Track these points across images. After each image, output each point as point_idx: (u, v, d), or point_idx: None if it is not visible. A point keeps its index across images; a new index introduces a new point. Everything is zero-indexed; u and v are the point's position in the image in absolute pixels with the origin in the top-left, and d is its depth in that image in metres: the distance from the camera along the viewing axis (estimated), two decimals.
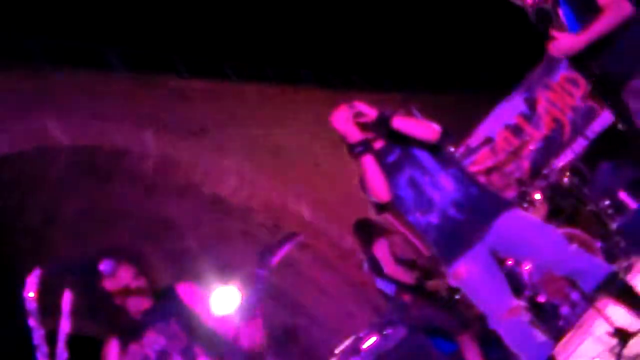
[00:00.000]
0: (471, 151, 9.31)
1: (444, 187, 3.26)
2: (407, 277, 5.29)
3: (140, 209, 10.54)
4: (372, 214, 3.58)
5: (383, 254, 5.31)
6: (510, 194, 6.49)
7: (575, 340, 4.76)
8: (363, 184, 3.46)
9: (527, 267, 5.53)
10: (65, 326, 2.49)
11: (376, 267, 5.40)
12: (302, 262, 12.11)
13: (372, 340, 5.44)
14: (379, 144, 3.45)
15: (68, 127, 9.34)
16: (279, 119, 13.81)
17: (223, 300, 3.17)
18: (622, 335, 3.40)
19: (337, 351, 6.00)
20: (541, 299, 5.45)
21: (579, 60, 3.26)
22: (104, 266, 2.90)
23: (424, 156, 3.34)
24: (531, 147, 7.48)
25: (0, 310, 7.69)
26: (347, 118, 3.44)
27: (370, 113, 3.38)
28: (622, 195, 5.60)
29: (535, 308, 5.45)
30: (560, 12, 3.14)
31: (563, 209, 6.33)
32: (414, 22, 22.91)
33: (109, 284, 3.06)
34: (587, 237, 5.53)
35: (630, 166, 5.89)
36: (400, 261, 5.29)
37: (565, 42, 3.06)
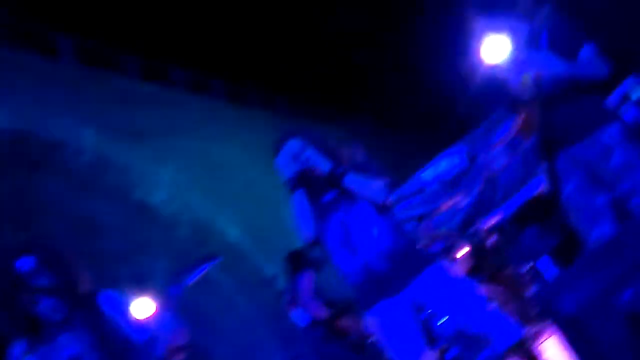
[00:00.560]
0: (404, 198, 9.41)
1: (373, 235, 3.29)
2: (321, 312, 5.31)
3: (66, 205, 10.27)
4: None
5: (304, 286, 5.33)
6: (437, 246, 6.59)
7: None
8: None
9: (443, 320, 5.59)
10: None
11: (294, 298, 5.43)
12: (222, 284, 11.99)
13: None
14: (317, 180, 3.46)
15: (6, 110, 9.07)
16: (220, 136, 13.75)
17: (139, 310, 3.12)
18: None
19: None
20: (453, 352, 5.51)
21: (526, 120, 3.37)
22: (21, 263, 2.80)
23: (358, 201, 3.36)
24: (463, 202, 7.63)
25: None
26: (297, 152, 3.44)
27: (322, 167, 3.36)
28: (543, 261, 5.76)
29: None
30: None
31: (486, 267, 6.46)
32: (372, 62, 23.21)
33: (26, 282, 2.94)
34: (505, 298, 5.65)
35: (554, 233, 6.07)
36: (319, 295, 5.32)
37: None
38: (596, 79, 3.28)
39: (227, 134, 14.02)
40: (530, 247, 6.05)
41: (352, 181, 3.33)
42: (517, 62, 3.29)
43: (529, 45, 3.32)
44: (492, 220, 6.46)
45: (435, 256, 3.41)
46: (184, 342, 3.04)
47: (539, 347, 3.39)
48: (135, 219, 11.34)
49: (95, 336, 2.91)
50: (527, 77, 3.24)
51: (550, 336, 3.36)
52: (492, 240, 6.08)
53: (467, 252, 6.35)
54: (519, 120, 3.38)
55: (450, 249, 6.41)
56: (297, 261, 5.56)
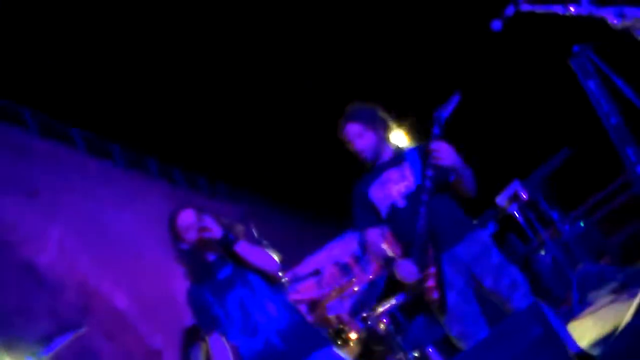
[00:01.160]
0: (297, 279, 9.49)
1: (269, 313, 3.34)
2: None
3: None
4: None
5: (196, 356, 5.24)
6: (327, 329, 6.68)
7: None
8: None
9: None
10: None
11: None
12: (103, 354, 11.53)
13: None
14: (212, 257, 3.51)
15: None
16: (116, 201, 13.52)
17: None
18: None
19: None
20: None
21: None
22: None
23: (255, 278, 3.41)
24: (355, 288, 7.78)
25: None
26: (191, 225, 3.51)
27: (216, 232, 3.36)
28: (430, 351, 5.94)
29: None
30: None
31: (374, 353, 6.58)
32: (272, 139, 23.52)
33: None
34: None
35: (440, 325, 6.29)
36: None
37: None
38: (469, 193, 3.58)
39: (122, 199, 13.79)
40: (418, 336, 6.24)
41: (245, 248, 3.38)
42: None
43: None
44: (383, 307, 6.62)
45: (327, 339, 3.48)
46: None
47: None
48: (18, 278, 10.86)
49: None
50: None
51: None
52: (382, 326, 6.23)
53: (357, 337, 6.46)
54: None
55: (341, 332, 6.51)
56: (192, 335, 5.47)
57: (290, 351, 3.28)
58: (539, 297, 3.39)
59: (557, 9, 2.48)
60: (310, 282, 9.67)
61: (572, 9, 2.43)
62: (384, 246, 3.57)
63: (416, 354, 5.96)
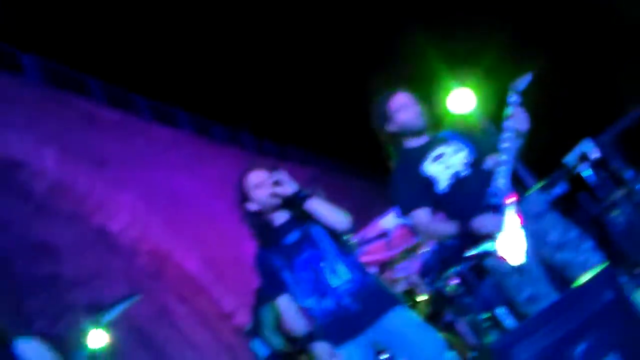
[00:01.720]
0: (366, 241, 9.44)
1: (341, 275, 3.30)
2: (284, 344, 5.27)
3: (23, 227, 10.07)
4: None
5: (268, 318, 5.29)
6: (397, 290, 6.60)
7: None
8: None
9: None
10: None
11: (257, 328, 5.38)
12: (178, 315, 11.82)
13: None
14: (279, 220, 3.46)
15: None
16: (184, 167, 13.70)
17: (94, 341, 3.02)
18: None
19: None
20: None
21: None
22: None
23: (324, 241, 3.37)
24: (424, 249, 7.66)
25: None
26: (263, 180, 3.45)
27: (290, 187, 3.33)
28: (500, 312, 5.79)
29: None
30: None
31: (444, 314, 6.48)
32: (336, 102, 23.43)
33: None
34: (462, 346, 5.67)
35: None
36: (282, 329, 5.28)
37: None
38: None
39: (191, 166, 13.97)
40: (489, 297, 6.08)
41: (317, 205, 3.33)
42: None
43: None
44: (453, 268, 6.48)
45: (398, 299, 3.41)
46: None
47: None
48: (93, 246, 11.18)
49: None
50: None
51: None
52: (452, 287, 6.11)
53: (427, 299, 6.37)
54: None
55: (410, 294, 6.43)
56: (262, 296, 5.51)
57: (362, 312, 3.25)
58: (612, 260, 3.26)
59: None
60: (379, 244, 9.60)
61: None
62: (439, 224, 3.52)
63: (486, 316, 5.82)
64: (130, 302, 2.89)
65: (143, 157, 12.70)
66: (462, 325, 6.27)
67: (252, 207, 3.45)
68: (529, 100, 3.45)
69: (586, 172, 6.95)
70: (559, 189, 7.17)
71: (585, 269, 3.20)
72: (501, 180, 3.33)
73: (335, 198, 3.67)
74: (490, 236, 3.36)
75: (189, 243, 12.19)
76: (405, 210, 3.61)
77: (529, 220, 3.38)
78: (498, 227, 3.32)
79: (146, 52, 19.07)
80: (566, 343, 2.27)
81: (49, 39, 14.33)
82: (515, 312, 5.70)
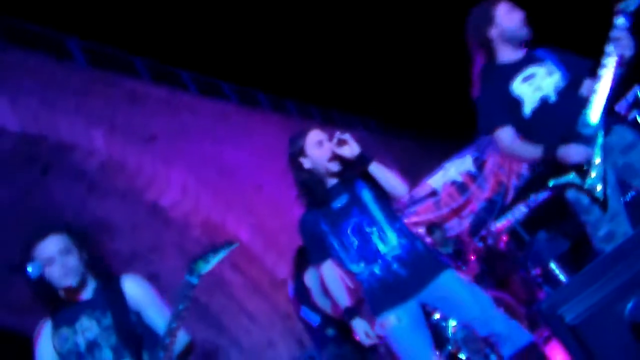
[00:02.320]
0: (415, 202, 9.43)
1: (389, 241, 3.29)
2: (333, 310, 5.26)
3: (77, 207, 10.32)
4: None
5: (312, 283, 5.27)
6: (447, 249, 6.61)
7: None
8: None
9: (452, 324, 5.62)
10: None
11: (303, 295, 5.34)
12: (233, 285, 12.02)
13: None
14: (329, 183, 3.45)
15: (18, 113, 9.13)
16: (230, 138, 13.79)
17: None
18: None
19: None
20: (462, 356, 5.53)
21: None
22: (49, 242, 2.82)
23: (373, 206, 3.35)
24: (473, 206, 7.64)
25: None
26: (323, 140, 3.45)
27: (355, 148, 3.30)
28: (553, 266, 5.76)
29: None
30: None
31: (495, 271, 6.46)
32: (380, 63, 23.19)
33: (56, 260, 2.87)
34: (514, 303, 5.66)
35: (564, 239, 6.06)
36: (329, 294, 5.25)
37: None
38: None
39: (237, 137, 14.05)
40: (539, 252, 6.04)
41: (379, 168, 3.32)
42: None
43: None
44: (503, 224, 6.45)
45: (447, 261, 3.41)
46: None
47: (547, 353, 3.41)
48: (147, 221, 11.40)
49: (115, 320, 2.88)
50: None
51: (557, 342, 3.36)
52: (502, 244, 6.08)
53: (477, 256, 6.37)
54: None
55: (461, 252, 6.42)
56: (303, 256, 5.49)
57: (411, 278, 3.26)
58: None
59: None
60: (428, 204, 9.59)
61: None
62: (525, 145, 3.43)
63: (538, 270, 5.79)
64: (228, 251, 2.95)
65: (190, 131, 12.83)
66: (514, 282, 6.27)
67: (306, 164, 3.45)
68: (638, 24, 3.24)
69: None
70: None
71: None
72: (594, 110, 3.23)
73: (382, 159, 3.66)
74: (576, 167, 3.28)
75: (240, 213, 12.34)
76: (489, 128, 3.53)
77: (618, 153, 3.30)
78: (586, 159, 3.23)
79: (187, 27, 19.15)
80: (617, 298, 2.25)
81: (91, 22, 14.51)
82: (568, 266, 5.67)
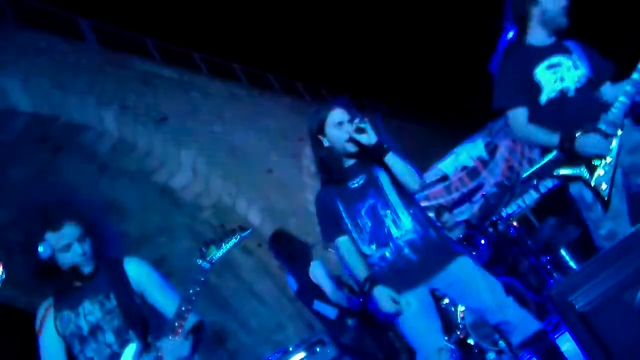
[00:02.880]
0: (426, 186, 9.41)
1: (403, 225, 3.28)
2: (350, 302, 5.21)
3: (88, 188, 10.36)
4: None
5: (323, 278, 5.22)
6: (456, 234, 6.60)
7: None
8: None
9: (461, 309, 5.62)
10: None
11: (312, 290, 5.27)
12: (243, 267, 12.05)
13: (300, 356, 5.42)
14: (346, 163, 3.44)
15: (29, 93, 9.14)
16: (241, 120, 13.78)
17: None
18: None
19: None
20: (470, 341, 5.54)
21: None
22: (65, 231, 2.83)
23: (389, 189, 3.34)
24: (484, 191, 7.62)
25: None
26: (344, 121, 3.43)
27: (371, 137, 3.28)
28: (563, 253, 5.74)
29: (464, 349, 5.55)
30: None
31: (505, 257, 6.45)
32: (392, 46, 23.06)
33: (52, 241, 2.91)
34: (523, 289, 5.65)
35: (573, 226, 6.04)
36: (341, 283, 5.25)
37: None
38: None
39: (248, 119, 14.04)
40: (550, 239, 6.03)
41: (395, 159, 3.29)
42: None
43: None
44: (513, 210, 6.43)
45: (460, 248, 3.39)
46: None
47: (556, 339, 3.41)
48: (157, 202, 11.42)
49: (119, 302, 2.88)
50: None
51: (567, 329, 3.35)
52: (511, 230, 6.07)
53: (487, 241, 6.36)
54: None
55: (471, 237, 6.42)
56: (300, 252, 5.44)
57: (422, 264, 3.25)
58: None
59: None
60: (439, 188, 9.57)
61: None
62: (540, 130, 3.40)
63: (548, 257, 5.78)
64: (241, 237, 2.92)
65: (201, 112, 12.83)
66: (524, 268, 6.26)
67: (325, 142, 3.45)
68: None
69: None
70: None
71: None
72: (615, 111, 3.20)
73: (393, 142, 3.63)
74: (587, 160, 3.26)
75: (250, 196, 12.34)
76: (504, 106, 3.51)
77: (625, 153, 3.28)
78: (602, 153, 3.21)
79: (199, 7, 19.09)
80: (626, 286, 2.25)
81: (103, 2, 14.48)
82: (578, 253, 5.66)
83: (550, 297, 2.13)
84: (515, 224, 6.11)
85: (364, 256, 3.38)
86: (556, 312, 2.27)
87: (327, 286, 5.14)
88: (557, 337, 3.81)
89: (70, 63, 10.32)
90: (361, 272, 3.38)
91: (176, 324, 2.79)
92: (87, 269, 2.94)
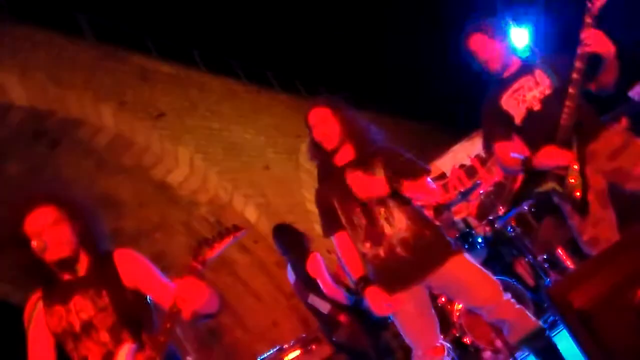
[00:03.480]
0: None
1: (396, 224, 3.27)
2: (344, 297, 5.22)
3: (84, 182, 10.33)
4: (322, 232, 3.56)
5: (320, 271, 5.23)
6: (454, 233, 6.57)
7: None
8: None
9: (458, 307, 5.61)
10: None
11: (308, 284, 5.29)
12: (238, 263, 12.04)
13: (295, 353, 5.41)
14: (343, 160, 3.44)
15: (26, 87, 9.12)
16: (238, 117, 13.78)
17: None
18: None
19: (259, 359, 5.95)
20: (467, 340, 5.53)
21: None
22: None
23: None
24: (481, 190, 7.59)
25: None
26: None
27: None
28: (559, 252, 5.73)
29: (460, 348, 5.53)
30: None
31: (502, 256, 6.44)
32: (389, 43, 23.07)
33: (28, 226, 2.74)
34: (520, 288, 5.64)
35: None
36: (337, 281, 5.25)
37: None
38: None
39: (245, 115, 14.04)
40: (547, 238, 6.01)
41: (411, 189, 3.35)
42: None
43: None
44: (510, 209, 6.41)
45: (454, 246, 3.38)
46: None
47: (554, 338, 3.40)
48: (154, 198, 11.41)
49: (112, 299, 2.74)
50: None
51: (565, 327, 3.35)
52: (509, 229, 6.05)
53: (484, 240, 6.34)
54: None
55: (468, 236, 6.40)
56: (299, 244, 5.45)
57: (416, 262, 3.24)
58: None
59: None
60: (436, 186, 9.56)
61: None
62: (515, 155, 3.51)
63: (545, 256, 5.77)
64: (235, 238, 2.81)
65: (199, 108, 12.81)
66: (521, 267, 6.25)
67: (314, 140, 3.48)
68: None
69: None
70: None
71: None
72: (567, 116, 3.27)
73: (392, 139, 3.64)
74: (553, 173, 3.31)
75: (247, 192, 12.33)
76: (486, 144, 3.68)
77: (604, 159, 3.30)
78: (562, 161, 3.25)
79: (197, 3, 19.07)
80: (625, 286, 2.23)
81: None
82: (575, 252, 5.64)
83: (548, 295, 2.12)
84: (512, 222, 6.09)
85: (362, 254, 3.37)
86: (554, 310, 2.26)
87: (322, 280, 5.14)
88: (554, 336, 3.80)
89: (68, 58, 10.30)
90: (355, 270, 3.38)
91: (167, 326, 2.66)
92: (64, 256, 2.76)
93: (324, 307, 5.16)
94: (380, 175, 3.29)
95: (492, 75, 3.65)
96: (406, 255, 3.23)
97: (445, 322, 5.56)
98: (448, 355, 3.31)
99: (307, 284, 5.27)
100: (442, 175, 9.45)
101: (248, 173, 12.71)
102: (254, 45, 19.28)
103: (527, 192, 3.65)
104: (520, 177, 6.71)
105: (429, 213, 7.32)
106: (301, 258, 5.35)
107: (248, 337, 12.57)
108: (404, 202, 3.33)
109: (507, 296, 3.27)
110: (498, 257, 6.44)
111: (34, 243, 2.67)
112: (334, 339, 5.20)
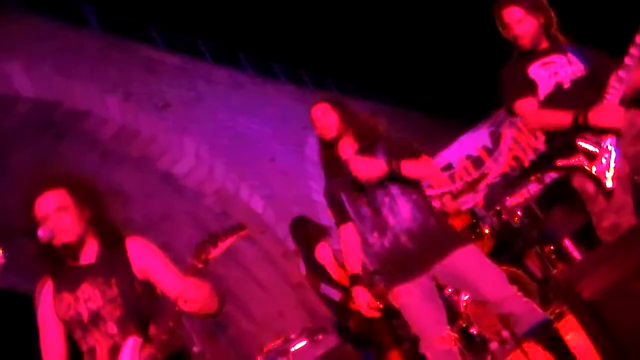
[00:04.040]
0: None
1: (401, 213, 3.26)
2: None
3: (92, 174, 10.32)
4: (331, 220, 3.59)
5: (328, 259, 5.27)
6: (460, 223, 6.56)
7: None
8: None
9: (465, 298, 5.59)
10: None
11: (318, 271, 5.34)
12: (245, 254, 12.04)
13: (302, 344, 5.41)
14: (347, 153, 3.44)
15: (32, 78, 9.11)
16: (245, 108, 13.76)
17: None
18: None
19: (265, 349, 5.94)
20: (473, 330, 5.52)
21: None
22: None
23: (390, 177, 3.32)
24: (488, 181, 7.58)
25: None
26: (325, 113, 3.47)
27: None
28: (567, 243, 5.71)
29: (466, 339, 5.52)
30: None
31: (508, 247, 6.42)
32: (397, 35, 23.02)
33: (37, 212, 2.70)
34: (527, 279, 5.62)
35: (579, 215, 5.99)
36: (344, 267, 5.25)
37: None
38: None
39: (252, 106, 14.02)
40: (554, 228, 5.98)
41: (408, 168, 3.30)
42: None
43: None
44: (518, 200, 6.38)
45: (460, 236, 3.37)
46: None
47: (560, 330, 3.38)
48: (160, 189, 11.41)
49: (120, 290, 2.70)
50: None
51: (571, 319, 3.32)
52: (516, 219, 6.03)
53: (491, 231, 6.32)
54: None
55: (475, 226, 6.37)
56: (308, 233, 5.49)
57: (421, 253, 3.22)
58: None
59: None
60: (443, 177, 9.53)
61: None
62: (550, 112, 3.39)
63: (552, 247, 5.75)
64: (238, 237, 2.74)
65: (205, 99, 12.80)
66: (528, 258, 6.22)
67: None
68: None
69: None
70: None
71: None
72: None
73: (396, 130, 3.63)
74: (607, 131, 3.20)
75: (253, 183, 12.33)
76: (510, 103, 3.52)
77: (628, 142, 3.24)
78: (618, 123, 3.16)
79: None
80: (635, 276, 2.22)
81: None
82: (582, 243, 5.61)
83: (556, 285, 2.09)
84: (519, 213, 6.07)
85: (369, 245, 3.37)
86: (562, 301, 2.24)
87: (332, 268, 5.18)
88: (560, 327, 3.78)
89: (74, 49, 10.29)
90: (351, 265, 3.42)
91: (170, 325, 2.62)
92: (71, 241, 2.70)
93: (336, 296, 5.20)
94: (380, 158, 3.28)
95: (520, 51, 3.52)
96: (411, 245, 3.22)
97: (451, 312, 5.55)
98: (455, 345, 3.30)
99: (319, 273, 5.30)
100: (449, 166, 9.46)
101: (254, 164, 12.70)
102: (261, 36, 19.26)
103: (550, 163, 3.44)
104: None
105: (436, 203, 7.32)
106: (312, 249, 5.40)
107: (254, 327, 12.59)
108: (408, 190, 3.31)
109: (514, 288, 3.25)
110: (505, 248, 6.41)
111: (40, 232, 2.62)
112: (346, 326, 5.22)
